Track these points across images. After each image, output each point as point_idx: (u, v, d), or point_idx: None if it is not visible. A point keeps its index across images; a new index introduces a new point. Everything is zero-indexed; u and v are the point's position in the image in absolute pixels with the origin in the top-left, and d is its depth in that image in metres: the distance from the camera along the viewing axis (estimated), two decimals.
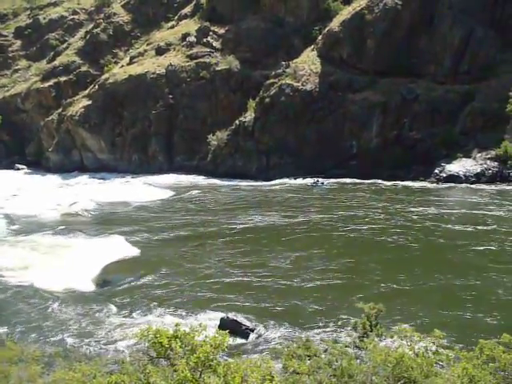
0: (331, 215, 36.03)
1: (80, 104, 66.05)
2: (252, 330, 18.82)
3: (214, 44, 62.69)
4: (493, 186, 44.05)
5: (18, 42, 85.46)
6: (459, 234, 30.37)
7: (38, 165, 69.17)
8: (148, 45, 68.84)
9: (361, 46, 54.03)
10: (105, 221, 38.69)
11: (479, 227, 31.63)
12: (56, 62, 74.88)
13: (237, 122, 55.84)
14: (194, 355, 7.85)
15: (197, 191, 48.24)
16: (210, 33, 63.73)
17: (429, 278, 23.39)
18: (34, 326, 20.27)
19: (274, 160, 53.21)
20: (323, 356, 12.13)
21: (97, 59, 72.64)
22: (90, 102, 65.06)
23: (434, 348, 10.61)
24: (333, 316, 19.64)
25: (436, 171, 47.15)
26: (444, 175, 46.48)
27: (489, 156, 46.97)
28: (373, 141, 51.60)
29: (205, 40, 63.17)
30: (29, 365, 10.96)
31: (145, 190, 49.84)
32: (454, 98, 50.29)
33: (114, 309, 21.47)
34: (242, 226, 34.42)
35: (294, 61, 56.40)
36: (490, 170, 46.11)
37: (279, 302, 21.36)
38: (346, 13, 56.63)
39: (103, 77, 66.59)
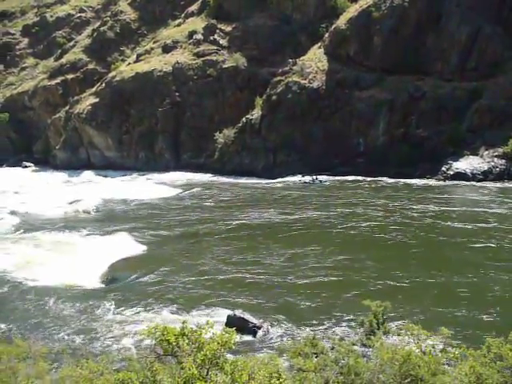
0: (341, 212, 35.98)
1: (87, 102, 66.22)
2: (259, 328, 18.81)
3: (220, 42, 62.69)
4: (498, 184, 43.82)
5: (26, 40, 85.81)
6: (459, 232, 30.19)
7: (46, 162, 69.40)
8: (155, 42, 68.90)
9: (368, 43, 53.90)
10: (111, 218, 38.77)
11: (479, 225, 31.42)
12: (63, 60, 75.12)
13: (243, 119, 55.84)
14: (201, 353, 7.86)
15: (203, 189, 48.31)
16: (217, 30, 63.72)
17: (427, 275, 23.33)
18: (40, 322, 20.35)
19: (281, 158, 53.19)
20: (330, 354, 12.11)
21: (104, 57, 72.81)
22: (97, 100, 65.21)
23: (441, 346, 10.59)
24: (339, 313, 19.61)
25: (443, 169, 46.97)
26: (451, 173, 46.31)
27: (496, 154, 46.76)
28: (379, 138, 51.50)
29: (211, 38, 63.17)
30: (36, 362, 10.99)
31: (151, 187, 49.92)
32: (461, 95, 50.07)
33: (120, 306, 21.51)
34: (248, 223, 34.42)
35: (301, 58, 56.34)
36: (497, 167, 45.92)
37: (286, 299, 21.35)
38: (352, 10, 56.51)
39: (110, 74, 66.72)
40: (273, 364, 8.89)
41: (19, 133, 75.45)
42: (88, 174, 60.92)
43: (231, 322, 18.17)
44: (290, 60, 55.96)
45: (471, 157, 47.25)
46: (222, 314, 19.61)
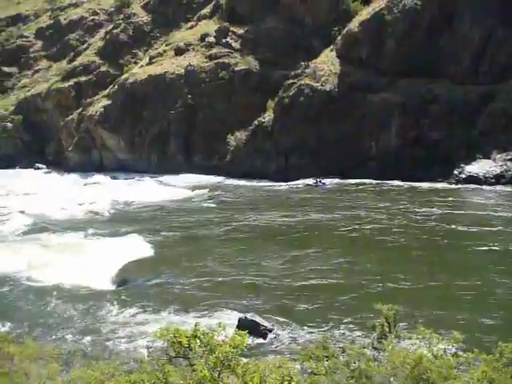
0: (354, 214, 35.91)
1: (100, 104, 66.52)
2: (270, 331, 18.82)
3: (233, 44, 62.76)
4: (509, 188, 43.50)
5: (39, 43, 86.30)
6: (463, 235, 30.08)
7: (58, 164, 69.69)
8: (167, 45, 69.10)
9: (380, 46, 53.80)
10: (123, 220, 38.90)
11: (484, 228, 31.29)
12: (76, 63, 75.47)
13: (256, 122, 55.87)
14: (213, 355, 7.88)
15: (215, 191, 48.37)
16: (230, 33, 63.81)
17: (429, 278, 23.28)
18: (51, 324, 20.47)
19: (293, 160, 53.11)
20: (341, 357, 12.09)
21: (116, 59, 73.04)
22: (109, 102, 65.50)
23: (453, 350, 10.55)
24: (349, 316, 19.58)
25: (455, 172, 46.75)
26: (463, 176, 46.08)
27: (509, 157, 46.44)
28: (392, 142, 51.33)
29: (224, 40, 63.26)
30: (48, 363, 11.06)
31: (163, 189, 50.06)
32: (474, 98, 49.82)
33: (132, 308, 21.60)
34: (259, 226, 34.43)
35: (313, 61, 56.30)
36: (509, 171, 45.60)
37: (296, 302, 21.35)
38: (365, 13, 56.41)
39: (123, 77, 66.99)
40: (284, 367, 8.90)
41: (32, 135, 75.85)
42: (100, 176, 61.10)
43: (242, 324, 18.17)
44: (303, 63, 55.92)
45: (484, 160, 46.99)
46: (233, 317, 19.62)
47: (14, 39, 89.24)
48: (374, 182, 47.64)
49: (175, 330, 8.36)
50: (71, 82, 73.15)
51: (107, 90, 68.06)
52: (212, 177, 55.36)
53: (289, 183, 50.24)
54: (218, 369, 7.83)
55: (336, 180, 49.18)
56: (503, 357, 9.76)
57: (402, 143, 50.88)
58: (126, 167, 62.98)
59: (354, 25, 56.04)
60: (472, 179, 45.34)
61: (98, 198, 46.25)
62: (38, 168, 70.80)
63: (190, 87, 61.22)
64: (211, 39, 64.09)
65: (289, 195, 45.39)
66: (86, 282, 24.76)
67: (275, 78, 57.73)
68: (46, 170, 69.71)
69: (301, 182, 49.94)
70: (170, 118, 61.04)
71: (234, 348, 7.91)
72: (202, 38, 65.17)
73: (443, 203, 38.50)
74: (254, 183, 51.06)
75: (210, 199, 45.15)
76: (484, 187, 43.91)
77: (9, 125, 76.14)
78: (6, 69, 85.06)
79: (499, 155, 46.83)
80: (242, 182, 51.94)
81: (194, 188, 50.31)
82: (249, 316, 19.26)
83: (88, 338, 19.01)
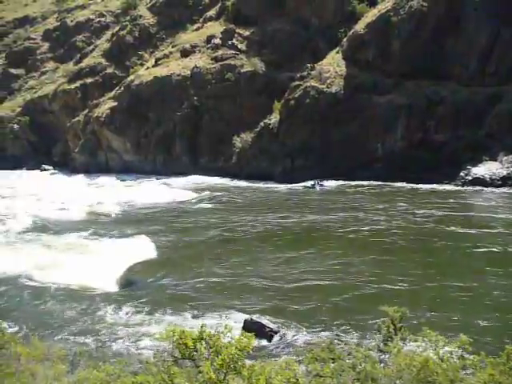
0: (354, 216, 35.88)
1: (106, 105, 66.75)
2: (276, 332, 18.79)
3: (239, 46, 62.84)
4: None
5: (46, 45, 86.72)
6: (461, 237, 29.96)
7: (64, 165, 70.04)
8: (173, 47, 69.25)
9: (386, 48, 53.76)
10: (129, 221, 38.96)
11: (483, 230, 31.19)
12: (83, 64, 75.79)
13: (261, 123, 55.91)
14: (219, 357, 7.88)
15: (220, 193, 48.38)
16: (235, 35, 63.89)
17: (425, 279, 23.23)
18: (57, 324, 20.48)
19: (299, 162, 53.10)
20: (347, 359, 12.05)
21: (122, 61, 73.29)
22: (115, 104, 65.70)
23: (459, 353, 10.50)
24: (355, 318, 19.53)
25: (461, 174, 46.61)
26: (469, 178, 45.95)
27: None
28: (398, 143, 51.28)
29: (230, 42, 63.35)
30: (54, 364, 11.07)
31: (169, 191, 50.12)
32: (480, 100, 49.68)
33: (137, 309, 21.60)
34: (265, 228, 34.40)
35: (319, 63, 56.30)
36: None
37: (302, 304, 21.29)
38: (371, 15, 56.39)
39: (129, 78, 67.19)
40: (290, 369, 8.88)
41: (39, 136, 76.24)
42: (106, 177, 61.30)
43: (248, 326, 18.16)
44: (308, 65, 55.93)
45: (490, 162, 46.84)
46: (239, 318, 19.61)
47: (21, 41, 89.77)
48: (376, 183, 47.61)
49: (181, 332, 8.37)
50: (78, 84, 73.47)
51: (113, 92, 68.29)
52: (218, 178, 55.43)
53: (292, 185, 50.19)
54: (224, 371, 7.83)
55: (341, 182, 49.17)
56: (510, 360, 9.71)
57: (407, 145, 50.83)
58: (131, 169, 63.15)
59: (359, 26, 56.03)
60: (478, 181, 45.21)
61: (104, 199, 46.34)
62: (45, 169, 71.12)
63: (195, 89, 61.31)
64: (217, 41, 64.19)
65: (288, 197, 45.37)
66: (91, 283, 24.78)
67: (281, 80, 57.79)
68: (52, 171, 70.01)
69: (304, 184, 49.98)
70: (176, 120, 61.14)
71: (240, 350, 7.91)
72: (208, 39, 65.29)
73: (444, 205, 38.38)
74: (260, 185, 51.07)
75: (214, 201, 45.12)
76: (490, 189, 43.76)
77: (16, 126, 76.57)
78: (13, 70, 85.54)
79: (506, 157, 46.66)
80: (248, 184, 51.99)
81: (199, 190, 50.35)
82: (254, 318, 19.24)
83: (93, 339, 19.02)
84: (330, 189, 47.66)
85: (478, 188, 44.20)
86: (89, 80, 72.93)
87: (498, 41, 50.67)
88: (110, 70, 73.32)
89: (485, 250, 27.27)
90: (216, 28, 66.91)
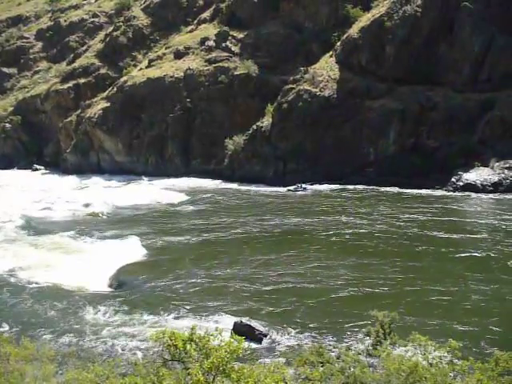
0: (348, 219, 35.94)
1: (98, 106, 66.58)
2: (265, 335, 18.82)
3: (232, 49, 62.86)
4: (507, 196, 43.47)
5: (39, 44, 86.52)
6: (445, 242, 30.07)
7: (56, 166, 69.77)
8: (167, 48, 69.20)
9: (380, 52, 53.85)
10: (120, 223, 38.90)
11: (467, 235, 31.41)
12: (76, 64, 75.58)
13: (254, 126, 55.86)
14: (209, 360, 7.87)
15: (212, 195, 48.34)
16: (229, 37, 63.91)
17: (404, 283, 23.40)
18: (47, 325, 20.44)
19: (291, 166, 53.13)
20: (336, 363, 12.08)
21: (116, 62, 73.15)
22: (108, 105, 65.55)
23: (448, 358, 10.54)
24: (345, 323, 19.57)
25: (453, 180, 46.72)
26: (461, 184, 46.07)
27: (507, 165, 46.48)
28: (390, 148, 51.35)
29: (223, 44, 63.36)
30: (43, 364, 11.04)
31: (160, 192, 50.01)
32: (473, 106, 49.88)
33: (127, 310, 21.58)
34: (257, 230, 34.41)
35: (313, 67, 56.34)
36: (507, 179, 45.60)
37: (291, 307, 21.33)
38: (365, 19, 56.51)
39: (122, 79, 67.05)
40: (279, 372, 8.88)
41: (31, 136, 75.95)
42: (97, 178, 61.15)
43: (238, 328, 18.15)
44: (302, 68, 55.95)
45: (482, 168, 47.01)
46: (229, 321, 19.62)
47: (14, 40, 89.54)
48: (367, 187, 47.57)
49: (171, 333, 8.35)
50: (70, 84, 73.25)
51: (106, 93, 68.14)
52: (210, 181, 55.35)
53: (282, 188, 50.18)
54: (213, 373, 7.82)
55: (332, 186, 49.08)
56: (498, 365, 9.76)
57: (400, 150, 50.93)
58: (123, 170, 62.99)
59: (353, 31, 56.15)
60: (470, 187, 45.34)
61: (95, 200, 46.23)
62: (36, 169, 70.85)
63: (188, 91, 61.27)
64: (211, 43, 64.20)
65: (274, 200, 45.44)
66: (82, 284, 24.77)
67: (274, 83, 57.82)
68: (44, 171, 69.72)
69: (288, 188, 50.05)
70: (169, 121, 61.07)
71: (230, 353, 7.90)
72: (202, 41, 65.28)
73: (431, 210, 38.47)
74: (252, 188, 50.96)
75: (203, 204, 45.04)
76: (477, 195, 43.90)
77: (7, 125, 76.28)
78: (5, 69, 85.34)
79: (497, 163, 46.87)
80: (239, 187, 51.88)
81: (190, 192, 50.25)
82: (244, 320, 19.26)
83: (83, 340, 18.99)
84: (311, 192, 47.79)
85: (468, 194, 44.31)
86: (82, 80, 72.75)
87: (491, 47, 50.89)
88: (103, 71, 73.18)
89: (466, 255, 27.50)
90: (210, 30, 66.93)
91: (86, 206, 44.34)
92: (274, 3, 63.66)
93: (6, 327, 20.01)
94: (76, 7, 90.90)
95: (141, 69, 68.29)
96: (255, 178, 52.89)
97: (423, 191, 45.36)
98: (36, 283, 25.18)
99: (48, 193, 52.13)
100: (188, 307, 21.61)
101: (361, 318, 19.18)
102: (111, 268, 27.01)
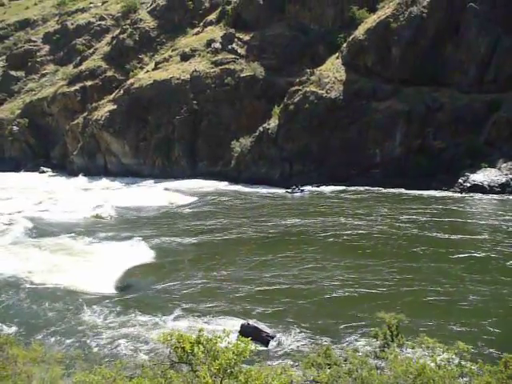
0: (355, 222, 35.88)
1: (105, 108, 66.72)
2: (272, 337, 18.81)
3: (238, 51, 62.91)
4: (508, 196, 43.31)
5: (47, 47, 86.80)
6: (446, 243, 30.05)
7: (63, 168, 69.98)
8: (173, 51, 69.30)
9: (385, 54, 53.77)
10: (126, 225, 38.96)
11: (468, 236, 31.38)
12: (82, 67, 75.77)
13: (260, 128, 55.85)
14: (217, 362, 7.86)
15: (218, 197, 48.34)
16: (235, 39, 63.98)
17: (402, 284, 23.43)
18: (55, 327, 20.47)
19: (298, 167, 53.12)
20: (343, 365, 12.05)
21: (122, 64, 73.29)
22: (115, 107, 65.68)
23: (456, 360, 10.50)
24: (353, 324, 19.55)
25: (460, 181, 46.58)
26: (468, 185, 45.92)
27: None
28: (396, 149, 51.24)
29: (230, 46, 63.43)
30: (51, 366, 11.06)
31: (167, 195, 50.05)
32: (479, 107, 49.75)
33: (134, 312, 21.61)
34: (264, 231, 34.40)
35: (319, 68, 56.34)
36: None
37: (298, 309, 21.33)
38: (370, 21, 56.45)
39: (128, 82, 67.19)
40: (286, 374, 8.87)
41: (38, 138, 76.18)
42: (104, 180, 61.26)
43: (245, 330, 18.16)
44: (308, 70, 55.95)
45: (489, 169, 46.85)
46: (236, 323, 19.62)
47: (21, 43, 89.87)
48: (373, 189, 47.46)
49: (179, 336, 8.36)
50: (77, 87, 73.44)
51: (113, 95, 68.31)
52: (216, 182, 55.32)
53: (272, 189, 50.39)
54: (221, 375, 7.81)
55: (338, 187, 49.00)
56: (508, 368, 9.72)
57: (406, 151, 50.80)
58: (130, 172, 63.11)
59: (359, 32, 56.09)
60: (477, 188, 45.19)
61: (102, 202, 46.31)
62: (43, 171, 71.02)
63: (195, 93, 61.34)
64: (217, 45, 64.28)
65: (279, 202, 45.51)
66: (90, 287, 24.80)
67: (280, 85, 57.84)
68: (51, 174, 69.89)
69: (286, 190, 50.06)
70: (175, 124, 61.15)
71: (237, 355, 7.89)
72: (208, 43, 65.37)
73: (431, 211, 38.39)
74: (258, 189, 50.92)
75: (210, 206, 45.08)
76: (483, 196, 43.74)
77: (15, 128, 76.51)
78: (13, 73, 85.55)
79: (505, 164, 46.70)
80: (247, 189, 51.77)
81: (196, 194, 50.25)
82: (251, 322, 19.25)
83: (90, 342, 19.02)
84: (308, 194, 47.91)
85: (475, 195, 44.15)
86: (88, 83, 72.94)
87: (497, 48, 50.75)
88: (109, 73, 73.35)
89: (466, 256, 27.46)
90: (216, 32, 67.03)
91: (93, 207, 44.40)
92: (280, 5, 63.67)
93: (13, 329, 20.07)
94: (83, 10, 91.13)
95: (147, 71, 68.43)
96: (261, 180, 52.90)
97: (429, 192, 45.23)
98: (42, 285, 25.25)
99: (54, 195, 52.29)
100: (194, 309, 21.64)
101: (367, 319, 19.17)
102: (118, 270, 27.07)
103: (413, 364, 9.98)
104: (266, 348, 18.30)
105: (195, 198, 48.02)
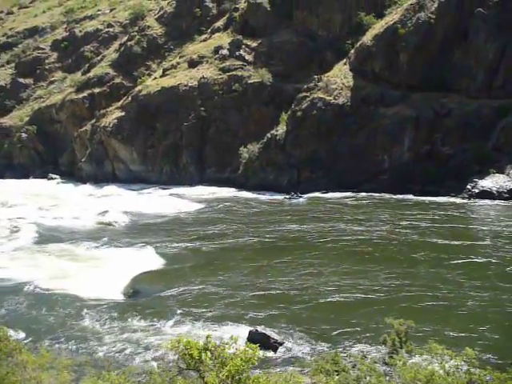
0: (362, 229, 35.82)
1: (113, 115, 66.94)
2: (280, 344, 18.76)
3: (246, 57, 63.03)
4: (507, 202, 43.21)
5: (55, 55, 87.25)
6: (446, 248, 30.01)
7: (71, 175, 70.23)
8: (181, 57, 69.51)
9: (393, 60, 53.76)
10: (135, 231, 39.02)
11: (468, 242, 31.34)
12: (90, 74, 76.08)
13: (268, 135, 55.90)
14: (225, 368, 7.85)
15: (226, 204, 48.35)
16: (243, 46, 64.12)
17: (400, 289, 23.44)
18: (64, 334, 20.50)
19: (306, 174, 53.11)
20: (351, 372, 12.02)
21: (130, 71, 73.57)
22: (123, 114, 65.89)
23: (465, 367, 10.45)
24: (361, 331, 19.49)
25: (468, 187, 46.42)
26: (476, 191, 45.76)
27: None
28: (404, 155, 51.15)
29: (237, 53, 63.56)
30: (60, 372, 11.07)
31: (175, 201, 50.07)
32: (488, 113, 49.64)
33: (142, 319, 21.61)
34: (271, 237, 34.39)
35: (326, 74, 56.38)
36: None
37: (306, 315, 21.29)
38: (378, 26, 56.48)
39: (136, 89, 67.41)
40: (294, 381, 8.85)
41: (46, 145, 76.45)
42: (113, 187, 61.37)
43: (253, 337, 18.14)
44: (315, 76, 56.02)
45: (497, 175, 46.68)
46: (243, 329, 19.59)
47: (30, 51, 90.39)
48: (379, 195, 47.40)
49: (187, 342, 8.35)
50: (85, 94, 73.75)
51: (121, 102, 68.53)
52: (224, 189, 55.31)
53: (270, 196, 50.48)
54: (229, 382, 7.80)
55: (346, 193, 48.93)
56: None
57: (414, 157, 50.70)
58: (138, 178, 63.26)
59: (367, 38, 56.11)
60: (485, 194, 45.02)
61: (110, 208, 46.35)
62: (52, 178, 71.26)
63: (203, 99, 61.48)
64: (224, 52, 64.43)
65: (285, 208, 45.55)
66: (98, 293, 24.82)
67: (288, 91, 57.88)
68: (59, 181, 70.11)
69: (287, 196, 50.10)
70: (183, 130, 61.30)
71: (245, 361, 7.88)
72: (216, 50, 65.54)
73: (434, 217, 38.32)
74: (267, 196, 50.90)
75: (221, 212, 45.14)
76: (495, 202, 43.58)
77: (23, 135, 76.85)
78: (21, 80, 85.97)
79: None
80: (255, 195, 51.74)
81: (203, 201, 50.24)
82: (259, 329, 19.21)
83: (98, 349, 19.04)
84: (306, 201, 47.94)
85: (485, 201, 43.96)
86: (96, 90, 73.23)
87: (505, 53, 50.63)
88: (117, 80, 73.63)
89: (466, 261, 27.43)
90: (224, 39, 67.20)
91: (100, 214, 44.48)
92: (288, 11, 63.78)
93: (21, 335, 20.11)
94: (91, 18, 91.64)
95: (155, 78, 68.65)
96: (269, 186, 52.93)
97: (438, 198, 45.10)
98: (49, 291, 25.29)
99: (61, 201, 52.45)
100: (202, 316, 21.63)
101: (375, 325, 19.13)
102: (126, 277, 27.09)
103: (421, 371, 9.94)
104: (274, 355, 18.26)
105: (203, 205, 48.03)
